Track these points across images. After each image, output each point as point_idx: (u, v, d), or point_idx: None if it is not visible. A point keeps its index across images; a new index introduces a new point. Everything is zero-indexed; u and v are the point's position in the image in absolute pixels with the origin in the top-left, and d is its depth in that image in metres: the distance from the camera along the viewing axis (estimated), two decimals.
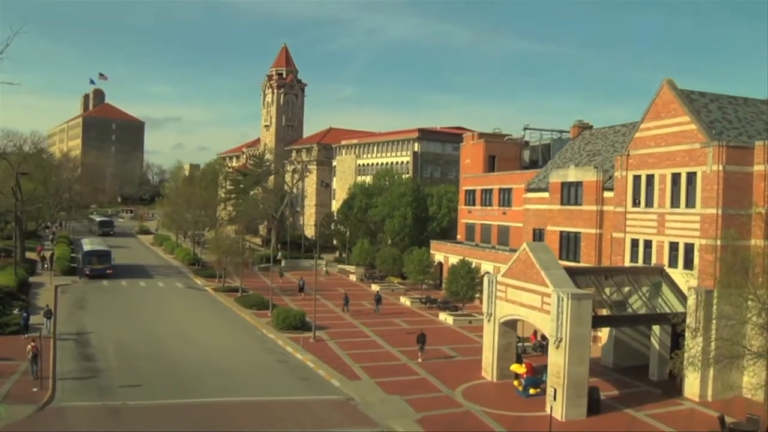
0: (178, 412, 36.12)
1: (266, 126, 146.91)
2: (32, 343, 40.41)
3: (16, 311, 52.89)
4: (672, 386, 41.97)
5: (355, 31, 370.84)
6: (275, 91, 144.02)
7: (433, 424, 34.91)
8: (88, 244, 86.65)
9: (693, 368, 36.72)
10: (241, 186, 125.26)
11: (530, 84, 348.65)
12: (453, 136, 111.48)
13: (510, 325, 44.27)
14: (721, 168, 40.31)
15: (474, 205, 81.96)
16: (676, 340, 41.55)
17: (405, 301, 73.99)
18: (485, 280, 45.82)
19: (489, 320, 44.74)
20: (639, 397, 40.64)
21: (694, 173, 42.19)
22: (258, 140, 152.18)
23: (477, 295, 63.20)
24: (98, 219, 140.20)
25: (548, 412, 33.70)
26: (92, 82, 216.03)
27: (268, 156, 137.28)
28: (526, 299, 40.60)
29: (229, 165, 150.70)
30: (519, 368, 42.12)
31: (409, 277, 79.74)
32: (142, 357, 47.08)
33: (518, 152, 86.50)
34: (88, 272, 79.31)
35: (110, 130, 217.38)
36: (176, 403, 37.53)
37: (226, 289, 76.06)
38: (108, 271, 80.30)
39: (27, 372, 40.65)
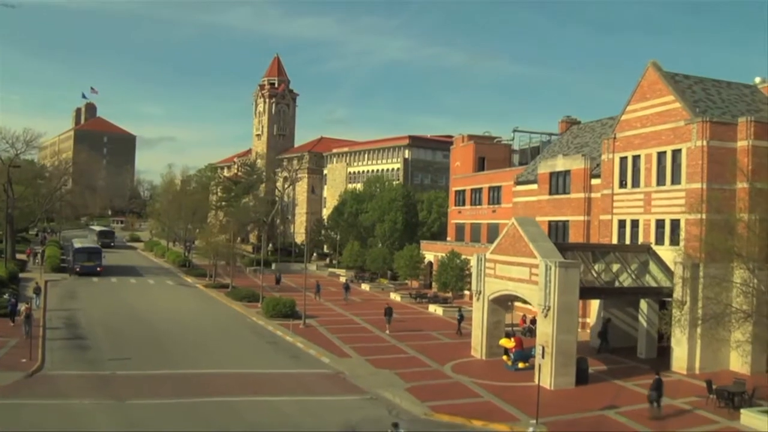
0: (168, 380, 36.30)
1: (258, 135, 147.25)
2: (26, 305, 41.05)
3: (6, 296, 52.94)
4: (660, 362, 42.14)
5: (348, 53, 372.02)
6: (267, 100, 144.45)
7: (422, 392, 35.07)
8: (78, 242, 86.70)
9: (680, 330, 37.03)
10: (233, 194, 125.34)
11: (522, 107, 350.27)
12: (443, 144, 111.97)
13: (499, 302, 44.54)
14: (705, 143, 40.85)
15: (464, 205, 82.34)
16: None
17: (395, 297, 74.19)
18: (474, 258, 46.14)
19: (478, 298, 45.00)
20: (627, 371, 40.85)
21: (679, 150, 42.73)
22: (250, 150, 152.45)
23: (466, 290, 63.45)
24: (98, 229, 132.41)
25: (536, 376, 33.80)
26: (84, 96, 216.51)
27: (259, 164, 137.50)
28: (515, 273, 40.90)
29: (221, 174, 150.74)
30: (508, 342, 42.32)
31: (399, 275, 79.91)
32: (132, 337, 47.25)
33: (508, 154, 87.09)
34: (78, 269, 79.20)
35: (102, 143, 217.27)
36: (166, 373, 37.74)
37: (216, 286, 76.38)
38: (98, 269, 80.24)
39: (16, 346, 40.81)
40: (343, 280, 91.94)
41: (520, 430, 29.50)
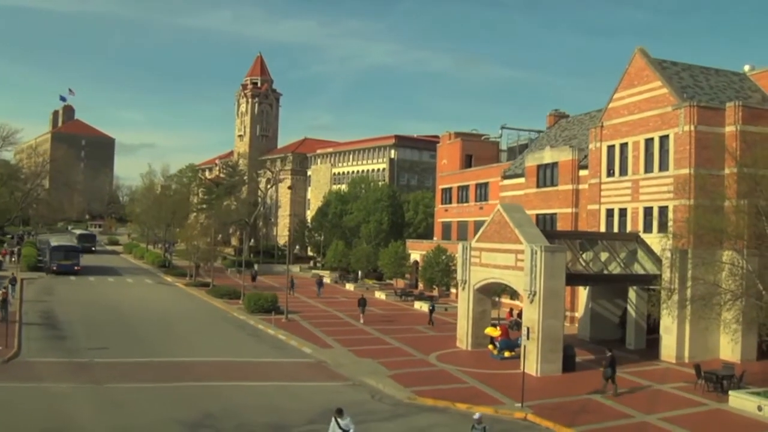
0: (148, 367, 36.40)
1: (240, 136, 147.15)
2: (2, 290, 41.15)
3: None
4: (649, 353, 42.50)
5: (332, 57, 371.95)
6: (250, 100, 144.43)
7: (406, 378, 35.20)
8: (55, 240, 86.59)
9: (669, 316, 37.35)
10: (214, 195, 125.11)
11: (511, 112, 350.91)
12: (430, 143, 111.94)
13: (485, 292, 44.77)
14: (692, 128, 41.31)
15: (450, 203, 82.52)
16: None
17: (380, 295, 74.37)
18: (459, 246, 46.37)
19: (463, 288, 45.20)
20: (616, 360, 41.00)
21: (667, 136, 43.22)
22: (232, 152, 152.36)
23: (453, 286, 63.63)
24: (78, 232, 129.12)
25: (522, 357, 33.93)
26: (62, 98, 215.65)
27: (241, 165, 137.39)
28: (500, 260, 41.13)
29: (203, 176, 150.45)
30: (493, 331, 42.53)
31: (384, 273, 79.89)
32: (110, 329, 47.28)
33: (495, 152, 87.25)
34: (55, 268, 79.10)
35: (80, 146, 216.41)
36: (146, 360, 37.84)
37: (196, 284, 76.59)
38: (76, 268, 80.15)
39: None
40: (328, 280, 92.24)
41: (505, 412, 29.71)
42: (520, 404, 30.18)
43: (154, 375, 34.44)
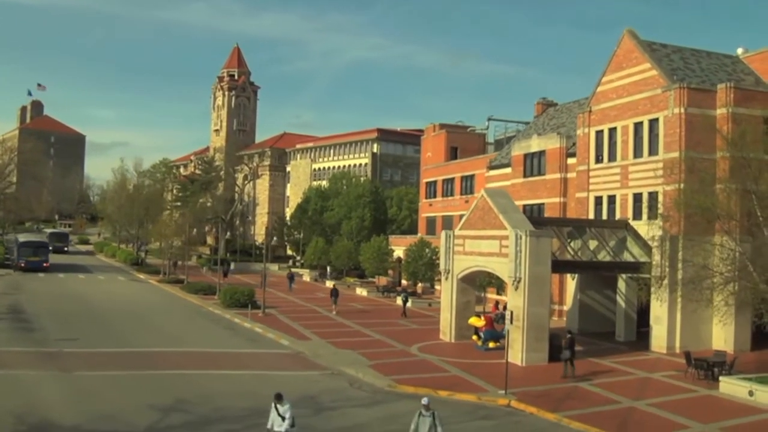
0: (119, 356, 36.42)
1: (216, 130, 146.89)
2: None
3: None
4: (639, 345, 42.75)
5: (312, 53, 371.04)
6: (226, 93, 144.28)
7: (386, 368, 35.28)
8: (23, 237, 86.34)
9: (658, 302, 37.62)
10: (188, 192, 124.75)
11: (500, 108, 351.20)
12: (414, 137, 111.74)
13: (469, 281, 44.96)
14: (682, 110, 41.56)
15: (435, 197, 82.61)
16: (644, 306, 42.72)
17: (361, 291, 74.67)
18: (442, 235, 46.52)
19: (447, 278, 45.35)
20: (604, 351, 41.28)
21: (656, 120, 43.52)
22: (208, 148, 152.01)
23: (437, 281, 63.70)
24: (49, 231, 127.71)
25: (506, 341, 34.11)
26: (30, 93, 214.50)
27: (218, 161, 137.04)
28: (484, 247, 41.30)
29: (177, 173, 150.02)
30: (477, 321, 42.69)
31: (366, 269, 79.78)
32: (80, 322, 47.26)
33: (482, 144, 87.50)
34: (23, 264, 78.94)
35: (49, 143, 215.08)
36: (117, 351, 37.87)
37: (170, 281, 76.69)
38: (45, 264, 79.97)
39: None
40: (307, 279, 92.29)
41: (488, 399, 29.85)
42: (503, 391, 30.33)
43: (125, 364, 34.41)
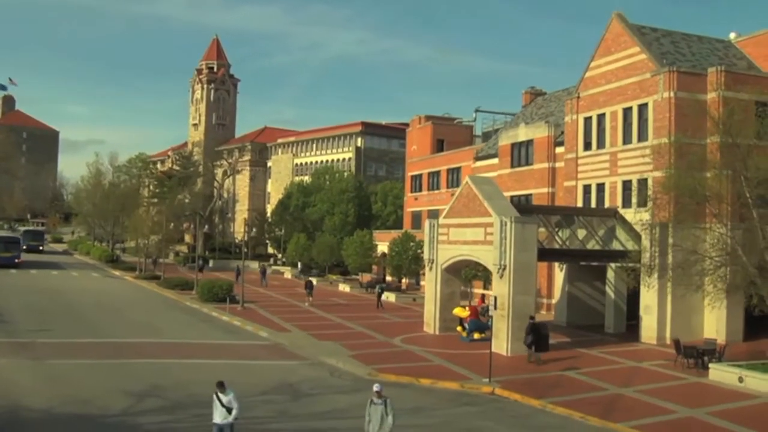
0: (93, 346, 36.59)
1: (195, 125, 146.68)
2: None
3: None
4: (629, 336, 43.05)
5: (294, 47, 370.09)
6: (205, 86, 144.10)
7: (368, 358, 35.53)
8: None
9: (646, 288, 37.91)
10: (166, 188, 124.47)
11: (487, 103, 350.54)
12: (400, 131, 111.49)
13: (453, 271, 45.22)
14: (672, 94, 41.93)
15: (420, 190, 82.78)
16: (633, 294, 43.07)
17: (344, 287, 74.86)
18: (426, 224, 46.75)
19: (431, 268, 45.59)
20: (593, 342, 41.59)
21: (646, 104, 43.89)
22: (186, 143, 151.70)
23: (422, 274, 63.88)
24: (23, 229, 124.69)
25: (491, 324, 34.40)
26: (3, 87, 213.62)
27: (196, 156, 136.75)
28: (469, 235, 41.55)
29: (154, 169, 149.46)
30: (462, 312, 42.91)
31: (349, 264, 79.86)
32: (54, 315, 47.37)
33: (469, 137, 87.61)
34: None
35: (21, 139, 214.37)
36: (91, 341, 38.07)
37: (147, 277, 76.76)
38: (16, 260, 79.82)
39: None
40: (288, 276, 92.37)
41: (471, 386, 30.08)
42: (487, 380, 30.55)
43: (99, 353, 34.59)
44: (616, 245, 43.90)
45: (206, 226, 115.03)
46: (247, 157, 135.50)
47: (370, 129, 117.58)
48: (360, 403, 26.58)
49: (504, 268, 37.57)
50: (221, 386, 19.07)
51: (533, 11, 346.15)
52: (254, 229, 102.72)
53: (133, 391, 26.89)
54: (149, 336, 40.91)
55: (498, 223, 37.96)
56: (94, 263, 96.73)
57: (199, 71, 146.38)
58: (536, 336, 34.84)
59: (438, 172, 79.36)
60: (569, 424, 25.03)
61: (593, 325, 47.10)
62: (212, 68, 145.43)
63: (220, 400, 18.93)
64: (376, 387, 19.05)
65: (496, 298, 33.93)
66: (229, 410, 18.82)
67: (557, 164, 54.60)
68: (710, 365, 32.44)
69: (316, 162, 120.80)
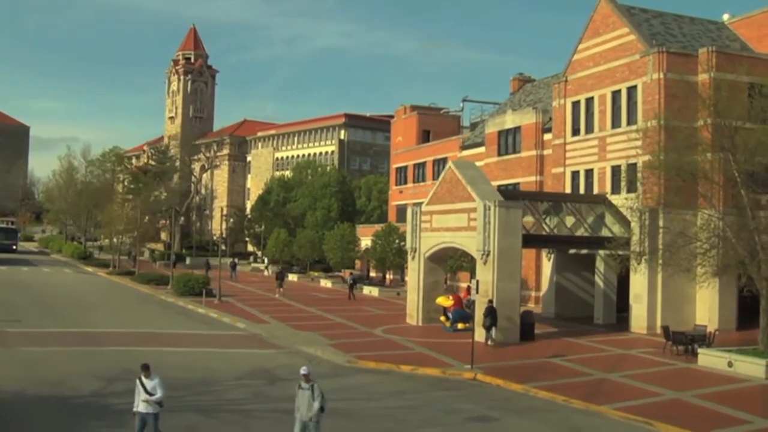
0: (65, 335, 37.14)
1: (171, 118, 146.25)
2: None
3: None
4: (618, 327, 43.45)
5: (276, 40, 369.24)
6: (182, 77, 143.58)
7: (348, 347, 35.88)
8: None
9: (636, 271, 38.44)
10: (141, 184, 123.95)
11: (475, 95, 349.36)
12: (384, 123, 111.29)
13: (437, 260, 45.52)
14: (662, 76, 42.36)
15: (405, 183, 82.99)
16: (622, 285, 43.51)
17: (326, 283, 75.31)
18: (408, 212, 47.07)
19: (414, 257, 45.91)
20: (581, 332, 41.91)
21: (635, 87, 44.34)
22: (163, 137, 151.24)
23: (405, 270, 64.13)
24: None
25: (474, 315, 34.77)
26: None
27: (173, 150, 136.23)
28: (452, 222, 41.91)
29: (128, 164, 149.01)
30: (445, 301, 43.17)
31: (330, 259, 79.91)
32: (24, 307, 47.98)
33: (456, 127, 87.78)
34: None
35: None
36: (63, 330, 38.67)
37: (120, 273, 77.18)
38: (14, 246, 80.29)
39: None
40: (267, 273, 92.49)
41: (453, 373, 30.42)
42: (469, 366, 30.87)
43: (71, 341, 35.11)
44: (605, 232, 44.14)
45: (182, 219, 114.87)
46: (225, 151, 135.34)
47: (353, 121, 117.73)
48: (337, 388, 27.04)
49: (488, 254, 37.89)
50: (146, 369, 17.59)
51: (522, 1, 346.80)
52: (231, 220, 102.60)
53: (104, 376, 27.33)
54: (122, 327, 41.18)
55: (481, 207, 38.27)
56: (67, 260, 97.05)
57: (176, 62, 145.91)
58: (494, 318, 36.13)
59: (424, 164, 79.53)
60: (552, 406, 25.40)
61: (582, 316, 47.42)
62: (189, 59, 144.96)
63: (143, 386, 17.33)
64: (303, 370, 18.02)
65: (478, 282, 34.21)
66: (153, 396, 17.27)
67: (545, 151, 55.02)
68: (699, 351, 32.86)
69: (298, 156, 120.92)
